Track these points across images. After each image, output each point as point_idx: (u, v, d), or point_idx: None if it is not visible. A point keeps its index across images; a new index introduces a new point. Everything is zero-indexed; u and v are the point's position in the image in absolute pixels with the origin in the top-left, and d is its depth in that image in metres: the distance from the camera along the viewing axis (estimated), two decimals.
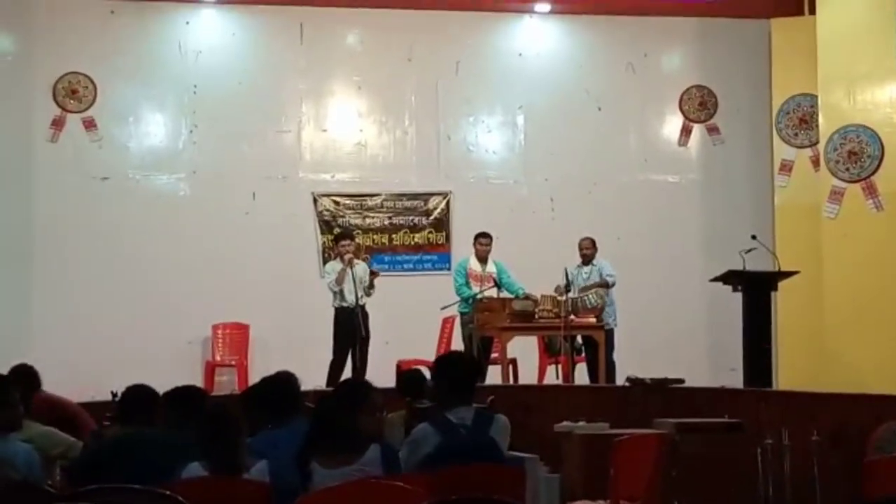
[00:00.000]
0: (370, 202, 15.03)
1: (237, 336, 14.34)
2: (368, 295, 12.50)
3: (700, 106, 15.73)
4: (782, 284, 12.51)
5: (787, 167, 14.93)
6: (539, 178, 15.37)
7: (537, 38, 15.54)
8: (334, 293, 12.44)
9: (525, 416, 9.33)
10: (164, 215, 14.49)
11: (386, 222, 15.05)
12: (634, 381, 11.49)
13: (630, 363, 12.44)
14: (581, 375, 12.84)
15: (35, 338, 13.74)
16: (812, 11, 14.27)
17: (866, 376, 12.80)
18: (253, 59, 15.02)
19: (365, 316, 12.37)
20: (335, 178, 15.03)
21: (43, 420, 6.63)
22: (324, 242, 14.69)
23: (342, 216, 14.91)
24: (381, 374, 10.85)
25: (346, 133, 15.11)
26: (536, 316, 12.29)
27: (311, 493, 5.06)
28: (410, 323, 13.67)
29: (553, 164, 15.36)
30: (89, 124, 14.43)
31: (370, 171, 15.12)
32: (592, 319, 12.47)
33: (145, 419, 6.05)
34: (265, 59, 15.07)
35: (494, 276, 12.79)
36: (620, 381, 12.16)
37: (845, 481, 8.74)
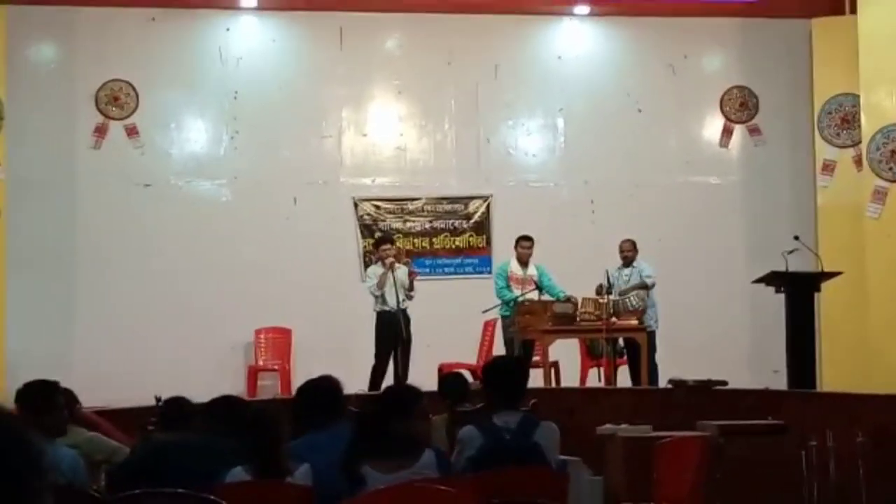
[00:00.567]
0: (411, 206, 15.05)
1: (280, 341, 14.39)
2: (410, 298, 12.52)
3: (741, 107, 15.67)
4: (825, 285, 12.44)
5: (829, 167, 14.84)
6: (579, 180, 15.34)
7: (576, 41, 15.52)
8: (375, 297, 12.46)
9: (567, 419, 9.31)
10: (206, 221, 14.57)
11: (426, 226, 15.07)
12: (677, 384, 11.45)
13: (672, 365, 12.41)
14: (623, 378, 12.80)
15: (79, 342, 13.87)
16: (853, 11, 14.17)
17: None
18: (293, 64, 15.08)
19: (407, 319, 12.38)
20: (375, 183, 15.07)
21: None
22: (365, 247, 14.72)
23: (383, 220, 14.94)
24: (422, 377, 10.83)
25: (387, 137, 15.14)
26: (578, 318, 12.27)
27: (362, 495, 5.08)
28: (452, 326, 13.67)
29: (593, 166, 15.33)
30: (131, 131, 14.53)
31: (410, 175, 15.14)
32: (634, 321, 12.44)
33: (186, 426, 6.09)
34: (305, 64, 15.13)
35: (535, 279, 12.77)
36: (663, 383, 12.13)
37: (890, 482, 8.69)
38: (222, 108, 14.83)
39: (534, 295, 12.63)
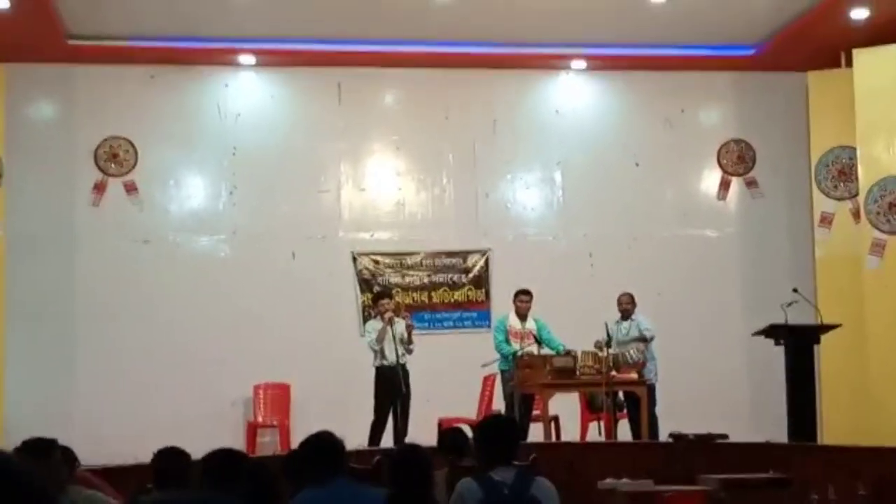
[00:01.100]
0: (409, 260, 15.07)
1: (279, 396, 14.34)
2: (409, 352, 12.51)
3: (738, 160, 15.73)
4: (825, 337, 12.44)
5: (827, 220, 14.86)
6: (578, 233, 15.37)
7: (574, 95, 15.60)
8: (375, 352, 12.45)
9: (568, 474, 9.28)
10: (205, 276, 14.58)
11: (425, 280, 15.08)
12: (678, 437, 11.41)
13: (672, 418, 12.37)
14: (624, 431, 12.76)
15: (79, 399, 13.83)
16: (849, 64, 14.26)
17: None
18: (291, 119, 15.14)
19: (406, 374, 12.36)
20: (374, 237, 15.09)
21: None
22: (363, 301, 14.72)
23: (382, 275, 14.95)
24: (422, 432, 10.83)
25: (385, 192, 15.18)
26: (577, 372, 12.24)
27: None
28: (451, 380, 13.65)
29: (592, 219, 15.37)
30: (130, 188, 14.57)
31: (409, 229, 15.16)
32: (634, 375, 12.41)
33: (180, 482, 6.03)
34: (304, 119, 15.19)
35: (534, 332, 12.76)
36: (663, 436, 12.08)
37: None
38: (221, 163, 14.88)
39: (533, 348, 12.61)
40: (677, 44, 15.00)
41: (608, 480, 9.52)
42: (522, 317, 12.97)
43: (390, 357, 12.32)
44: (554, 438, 12.55)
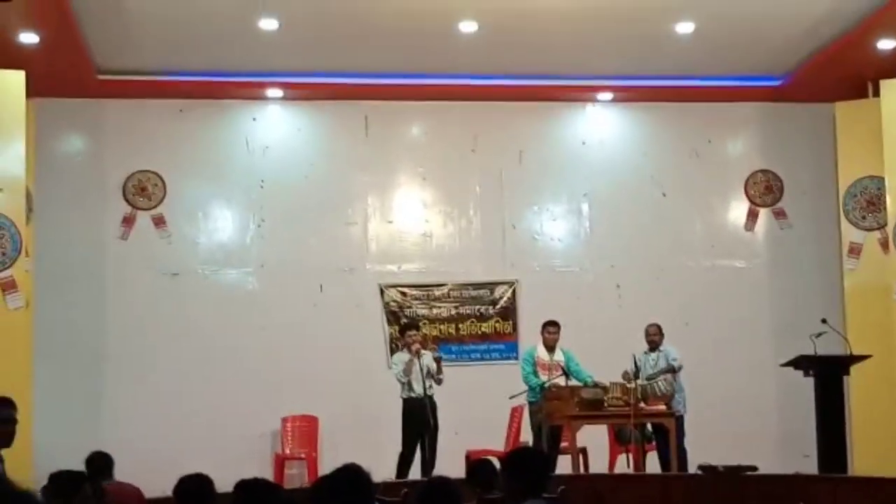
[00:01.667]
0: (437, 292, 15.07)
1: (306, 428, 14.34)
2: (438, 383, 12.51)
3: (766, 190, 15.70)
4: (854, 368, 12.36)
5: (855, 250, 14.79)
6: (605, 265, 15.36)
7: (600, 126, 15.61)
8: (402, 384, 12.45)
9: None
10: (234, 309, 14.63)
11: (453, 312, 15.07)
12: (707, 469, 11.34)
13: (701, 450, 12.31)
14: (652, 463, 12.71)
15: (108, 432, 13.85)
16: (876, 94, 14.23)
17: None
18: (319, 152, 15.20)
19: (433, 406, 12.35)
20: (401, 269, 15.11)
21: None
22: (391, 333, 14.73)
23: (409, 307, 14.96)
24: (450, 464, 10.82)
25: (412, 224, 15.21)
26: (606, 404, 12.19)
27: None
28: (479, 412, 13.62)
29: (619, 250, 15.35)
30: (159, 221, 14.65)
31: (436, 261, 15.18)
32: (662, 406, 12.35)
33: None
34: (331, 152, 15.24)
35: (562, 364, 12.73)
36: (692, 468, 12.01)
37: None
38: (249, 196, 14.94)
39: (561, 380, 12.57)
40: (704, 75, 15.01)
41: None
42: (550, 348, 12.95)
43: (418, 389, 12.32)
44: (582, 470, 12.50)
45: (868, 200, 14.76)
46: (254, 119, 15.05)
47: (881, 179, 14.28)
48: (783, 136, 15.71)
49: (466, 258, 15.22)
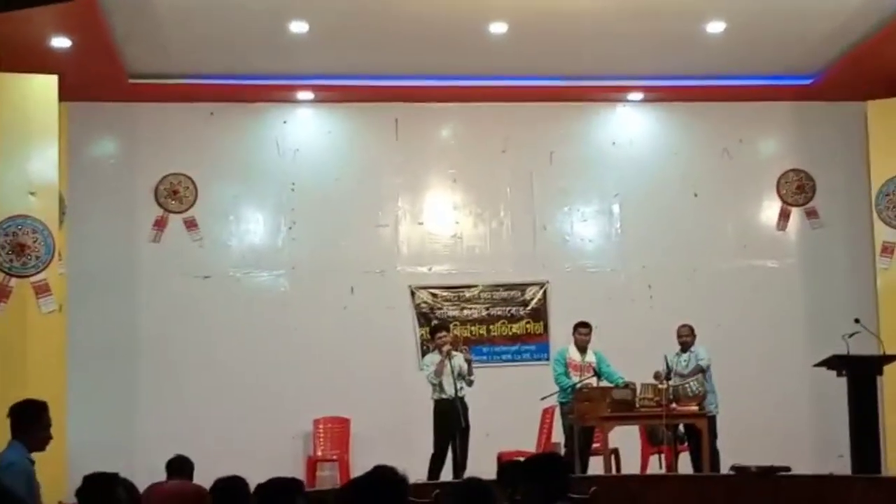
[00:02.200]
0: (467, 294, 15.08)
1: (338, 430, 14.37)
2: (470, 384, 12.50)
3: (798, 190, 15.63)
4: (888, 368, 12.29)
5: (888, 249, 14.70)
6: (636, 265, 15.32)
7: (630, 127, 15.58)
8: (433, 385, 12.45)
9: None
10: (265, 312, 14.67)
11: (483, 313, 15.07)
12: (740, 470, 11.30)
13: (734, 451, 12.27)
14: (685, 464, 12.66)
15: (141, 434, 13.94)
16: None
17: None
18: (349, 155, 15.23)
19: (465, 407, 12.35)
20: (432, 271, 15.12)
21: None
22: (422, 335, 14.74)
23: (440, 308, 14.97)
24: (481, 465, 10.81)
25: (443, 226, 15.22)
26: (637, 405, 12.16)
27: None
28: (510, 414, 13.61)
29: (650, 251, 15.31)
30: (190, 224, 14.71)
31: (467, 262, 15.18)
32: (694, 407, 12.30)
33: None
34: (361, 155, 15.26)
35: (594, 365, 12.72)
36: (725, 469, 11.98)
37: None
38: (280, 199, 14.99)
39: (592, 381, 12.56)
40: (735, 74, 14.96)
41: None
42: (582, 349, 12.94)
43: (449, 390, 12.32)
44: (614, 471, 12.49)
45: None
46: (284, 122, 15.09)
47: None
48: (815, 135, 15.63)
49: (497, 259, 15.21)
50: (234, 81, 14.45)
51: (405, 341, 14.81)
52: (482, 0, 12.53)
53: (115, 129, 14.84)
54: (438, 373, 12.36)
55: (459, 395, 12.34)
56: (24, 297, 12.67)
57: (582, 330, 12.96)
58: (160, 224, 14.66)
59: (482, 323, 15.04)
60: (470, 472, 11.20)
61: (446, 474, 12.12)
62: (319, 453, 14.25)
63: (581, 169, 15.46)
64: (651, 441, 13.15)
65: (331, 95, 15.00)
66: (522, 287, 15.15)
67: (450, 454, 12.23)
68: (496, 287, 15.12)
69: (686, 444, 12.73)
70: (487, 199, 15.34)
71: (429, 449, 12.34)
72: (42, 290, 12.77)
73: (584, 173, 15.47)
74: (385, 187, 15.19)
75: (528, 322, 15.10)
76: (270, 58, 13.92)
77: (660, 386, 12.12)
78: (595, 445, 12.55)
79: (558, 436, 13.07)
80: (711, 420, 12.54)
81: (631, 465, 13.16)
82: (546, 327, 15.07)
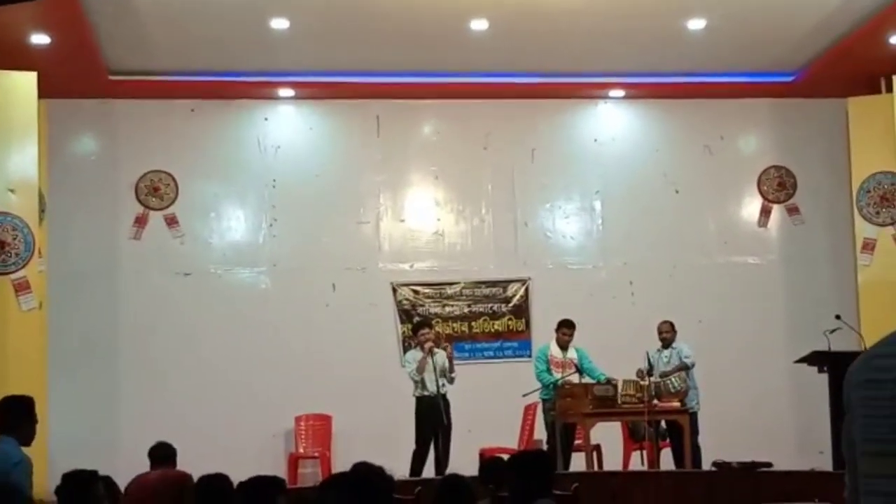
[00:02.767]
0: (449, 290, 15.07)
1: (320, 428, 14.36)
2: (451, 381, 12.51)
3: (779, 186, 15.67)
4: None
5: (869, 245, 14.75)
6: (618, 262, 15.34)
7: (612, 124, 15.59)
8: (415, 382, 12.45)
9: None
10: (246, 309, 14.64)
11: (465, 310, 15.07)
12: (721, 466, 11.33)
13: (715, 447, 12.31)
14: (666, 460, 12.69)
15: (122, 432, 13.89)
16: (889, 90, 14.19)
17: None
18: (330, 152, 15.21)
19: (447, 404, 12.35)
20: (414, 268, 15.11)
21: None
22: (403, 332, 14.73)
23: (422, 305, 14.96)
24: (464, 462, 10.82)
25: (424, 223, 15.21)
26: (619, 401, 12.18)
27: None
28: (492, 410, 13.62)
29: (631, 248, 15.33)
30: (171, 221, 14.67)
31: (448, 259, 15.18)
32: (676, 403, 12.34)
33: None
34: (343, 151, 15.25)
35: (576, 361, 12.73)
36: (706, 465, 12.01)
37: None
38: (261, 196, 14.96)
39: (574, 378, 12.57)
40: (716, 71, 14.97)
41: None
42: (564, 347, 12.94)
43: (431, 387, 12.33)
44: (596, 468, 12.50)
45: (881, 196, 14.72)
46: (265, 119, 15.06)
47: (894, 174, 14.24)
48: (796, 132, 15.67)
49: (479, 256, 15.21)
50: (215, 78, 14.41)
51: (387, 338, 14.80)
52: None
53: (96, 125, 14.79)
54: (420, 369, 12.36)
55: (441, 391, 12.35)
56: (3, 294, 12.60)
57: (565, 330, 12.93)
58: (141, 221, 14.61)
59: (464, 320, 15.04)
60: (452, 468, 11.19)
61: (428, 471, 12.12)
62: (301, 450, 14.23)
63: (563, 166, 15.47)
64: (633, 437, 13.18)
65: (312, 92, 14.98)
66: (504, 284, 15.15)
67: (432, 451, 12.23)
68: (478, 284, 15.12)
69: (668, 440, 12.76)
70: (469, 196, 15.34)
71: (411, 446, 12.34)
72: (22, 287, 12.71)
73: (565, 170, 15.48)
74: (366, 184, 15.18)
75: (510, 319, 15.10)
76: (251, 54, 13.89)
77: (642, 382, 12.15)
78: (577, 442, 12.55)
79: (540, 432, 13.08)
80: (693, 416, 12.58)
81: (613, 461, 13.17)
82: (528, 324, 15.07)
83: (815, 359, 12.01)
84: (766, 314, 15.29)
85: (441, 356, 12.55)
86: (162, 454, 8.60)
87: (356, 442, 13.85)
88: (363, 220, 15.11)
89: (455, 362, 12.70)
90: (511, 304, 15.12)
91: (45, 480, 10.93)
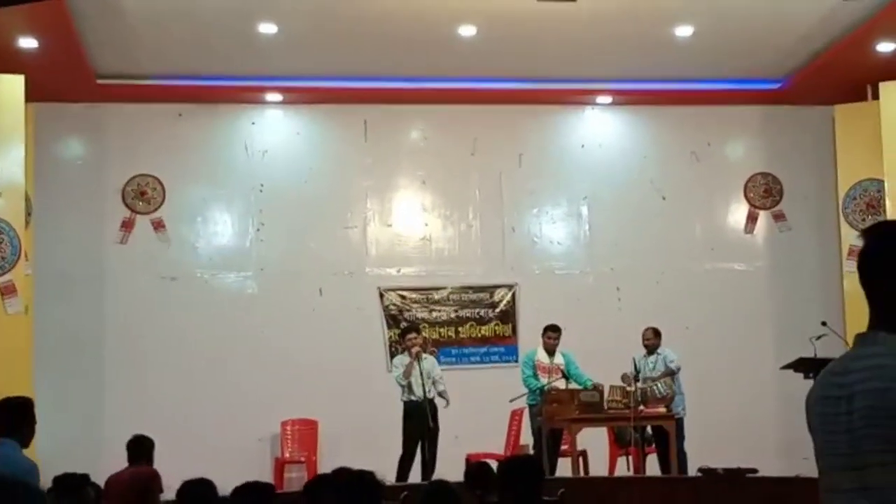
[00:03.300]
0: (436, 296, 15.07)
1: (306, 432, 14.35)
2: (441, 395, 12.50)
3: (765, 193, 15.70)
4: None
5: (855, 252, 14.62)
6: (605, 268, 15.35)
7: (599, 130, 15.61)
8: (402, 387, 12.45)
9: None
10: (233, 313, 14.62)
11: (452, 315, 15.07)
12: (707, 472, 11.35)
13: (701, 453, 12.32)
14: (652, 466, 12.70)
15: (108, 435, 13.82)
16: (875, 97, 14.23)
17: None
18: (318, 157, 15.20)
19: (434, 409, 12.36)
20: (401, 273, 15.11)
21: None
22: (391, 337, 14.73)
23: (409, 310, 14.96)
24: (450, 467, 10.81)
25: (412, 228, 15.21)
26: (605, 407, 12.20)
27: None
28: (479, 416, 13.61)
29: (618, 254, 15.35)
30: (158, 225, 14.65)
31: (436, 264, 15.18)
32: (662, 409, 12.35)
33: None
34: (330, 156, 15.24)
35: (562, 367, 12.74)
36: (692, 471, 12.02)
37: None
38: (248, 200, 14.94)
39: (561, 383, 12.58)
40: (703, 78, 15.03)
41: None
42: (550, 352, 12.95)
43: (418, 392, 12.32)
44: (582, 473, 12.50)
45: (868, 203, 14.76)
46: (253, 123, 15.05)
47: (881, 182, 14.27)
48: (783, 139, 15.70)
49: (466, 261, 15.22)
50: (203, 82, 14.41)
51: (374, 343, 14.79)
52: (451, 3, 12.55)
53: (83, 129, 14.77)
54: (407, 374, 12.35)
55: (428, 396, 12.35)
56: None
57: (552, 334, 12.95)
58: (127, 225, 14.59)
59: (451, 325, 15.04)
60: (438, 474, 11.19)
61: (415, 476, 12.11)
62: (287, 455, 14.22)
63: (550, 171, 15.48)
64: (619, 443, 13.18)
65: (299, 97, 14.98)
66: (491, 289, 15.16)
67: (419, 456, 12.23)
68: (465, 289, 15.12)
69: (654, 445, 12.77)
70: (456, 202, 15.34)
71: (397, 450, 12.33)
72: (8, 290, 12.69)
73: (552, 176, 15.49)
74: (354, 189, 15.17)
75: (496, 324, 15.11)
76: (239, 59, 13.89)
77: (628, 388, 12.16)
78: (563, 447, 12.56)
79: (527, 438, 13.08)
80: (679, 422, 12.58)
81: (599, 466, 13.17)
82: (515, 329, 15.08)
83: (802, 365, 12.03)
84: (752, 320, 15.32)
85: (428, 362, 12.56)
86: (136, 447, 8.63)
87: (342, 446, 13.83)
88: (350, 225, 15.11)
89: (442, 368, 12.70)
90: (498, 310, 15.12)
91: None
